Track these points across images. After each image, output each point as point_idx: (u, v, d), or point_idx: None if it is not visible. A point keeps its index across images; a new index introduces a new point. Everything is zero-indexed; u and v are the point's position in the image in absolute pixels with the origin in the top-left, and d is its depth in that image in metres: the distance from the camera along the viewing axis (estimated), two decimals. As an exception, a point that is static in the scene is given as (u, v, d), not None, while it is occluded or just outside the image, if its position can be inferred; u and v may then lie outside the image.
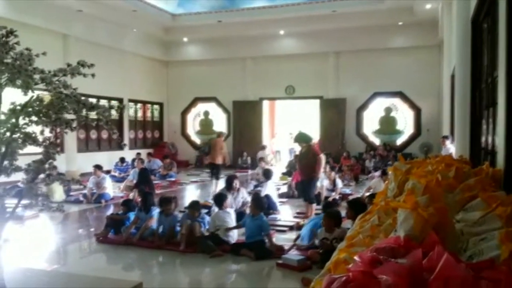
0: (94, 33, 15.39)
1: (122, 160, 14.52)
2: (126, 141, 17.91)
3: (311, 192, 8.02)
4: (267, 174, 9.41)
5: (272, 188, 9.15)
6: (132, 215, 6.63)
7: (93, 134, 16.63)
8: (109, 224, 6.59)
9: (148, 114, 19.82)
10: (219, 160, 11.07)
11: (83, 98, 2.27)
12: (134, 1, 15.22)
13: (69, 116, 2.21)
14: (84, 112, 2.18)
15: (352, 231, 2.61)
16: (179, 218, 6.50)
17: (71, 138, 15.14)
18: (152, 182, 9.56)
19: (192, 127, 20.53)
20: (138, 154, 15.15)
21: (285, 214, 8.69)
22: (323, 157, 8.02)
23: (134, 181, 10.40)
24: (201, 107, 20.34)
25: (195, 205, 6.30)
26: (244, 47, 18.34)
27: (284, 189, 11.20)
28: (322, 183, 9.87)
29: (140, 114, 19.26)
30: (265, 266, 5.39)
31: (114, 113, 17.43)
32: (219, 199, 6.69)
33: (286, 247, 5.93)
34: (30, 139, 2.19)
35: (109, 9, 14.95)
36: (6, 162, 2.23)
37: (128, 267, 5.74)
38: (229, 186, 8.10)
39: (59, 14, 13.86)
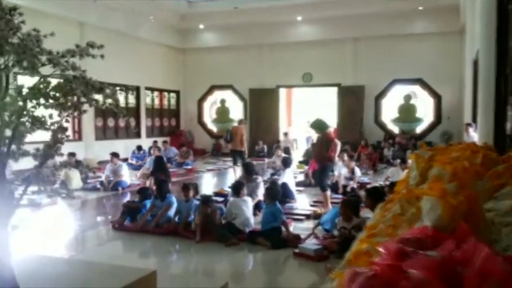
0: (110, 21, 15.35)
1: (139, 148, 14.54)
2: (143, 129, 17.95)
3: (323, 180, 7.85)
4: (286, 162, 9.28)
5: (290, 177, 9.02)
6: (148, 203, 6.60)
7: (111, 122, 16.68)
8: (125, 212, 6.57)
9: (165, 102, 19.80)
10: (241, 147, 11.14)
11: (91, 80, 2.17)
12: (150, -12, 15.14)
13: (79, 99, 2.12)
14: (93, 94, 2.08)
15: (373, 221, 2.49)
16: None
17: (88, 126, 15.25)
18: (168, 170, 9.51)
19: (209, 115, 20.47)
20: (155, 142, 15.18)
21: (302, 202, 8.57)
22: (338, 142, 7.83)
23: (151, 169, 10.37)
24: (217, 95, 20.25)
25: (206, 201, 6.20)
26: (260, 34, 18.12)
27: (301, 177, 11.09)
28: (340, 171, 9.73)
29: (157, 102, 19.26)
30: (281, 255, 5.31)
31: (131, 101, 17.64)
32: (237, 187, 6.60)
33: (303, 236, 5.83)
34: (38, 122, 2.10)
35: (125, -4, 14.89)
36: (13, 147, 2.14)
37: (143, 255, 5.71)
38: (247, 173, 8.00)
39: (75, 1, 13.84)
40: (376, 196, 5.12)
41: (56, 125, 2.18)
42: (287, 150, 16.83)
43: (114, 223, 6.51)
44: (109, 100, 2.12)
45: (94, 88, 2.15)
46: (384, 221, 2.22)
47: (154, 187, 7.47)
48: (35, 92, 2.03)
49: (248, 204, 6.33)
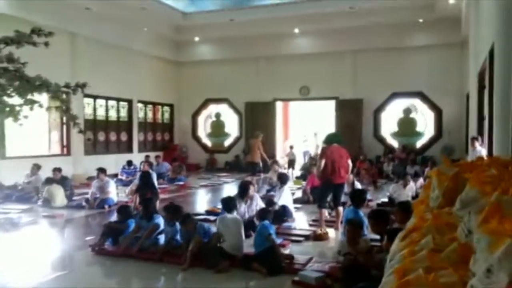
0: (102, 32, 14.88)
1: (129, 163, 13.95)
2: (135, 144, 17.38)
3: (324, 196, 7.35)
4: (283, 179, 8.63)
5: (287, 194, 8.43)
6: (131, 223, 6.00)
7: (101, 136, 16.11)
8: (106, 233, 5.95)
9: (158, 116, 19.28)
10: (257, 159, 11.92)
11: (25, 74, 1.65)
12: (143, -1, 14.71)
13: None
14: (31, 94, 1.58)
15: (398, 259, 1.94)
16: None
17: (78, 140, 14.66)
18: (155, 187, 8.87)
19: (203, 129, 19.95)
20: (147, 156, 14.60)
21: (301, 221, 8.00)
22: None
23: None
24: (212, 109, 19.76)
25: (186, 219, 5.59)
26: (257, 47, 17.71)
27: (298, 194, 10.53)
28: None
29: (150, 115, 18.74)
30: (279, 283, 4.73)
31: (123, 114, 17.10)
32: (228, 203, 5.98)
33: (300, 260, 5.27)
34: None
35: (118, 7, 14.43)
36: None
37: (124, 282, 5.12)
38: (242, 192, 7.33)
39: (66, 12, 13.38)
40: (382, 219, 4.58)
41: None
42: (292, 163, 16.36)
43: (94, 246, 5.89)
44: (57, 103, 1.64)
45: (30, 84, 1.62)
46: (416, 261, 1.68)
47: (140, 206, 6.89)
48: None
49: (239, 223, 5.69)
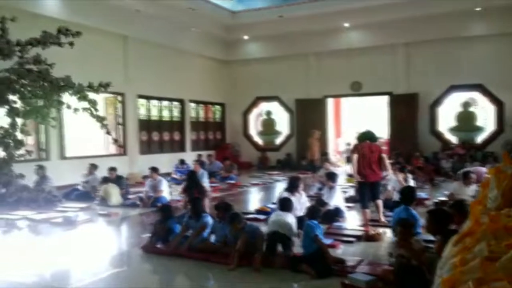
0: (153, 33, 15.22)
1: (182, 162, 14.20)
2: (188, 143, 17.68)
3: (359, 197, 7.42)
4: (332, 177, 8.41)
5: (338, 193, 8.22)
6: (171, 223, 6.06)
7: (155, 136, 16.50)
8: (156, 232, 6.06)
9: (210, 115, 19.51)
10: (315, 156, 12.57)
11: (57, 77, 1.64)
12: (192, 0, 14.91)
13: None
14: (58, 96, 1.57)
15: (448, 266, 1.78)
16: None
17: (133, 140, 15.10)
18: (202, 186, 8.91)
19: (254, 128, 19.99)
20: (199, 155, 14.82)
21: (352, 221, 7.78)
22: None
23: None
24: (263, 107, 19.75)
25: (235, 218, 5.57)
26: (306, 43, 17.51)
27: (351, 192, 10.28)
28: (393, 185, 8.88)
29: (201, 115, 19.00)
30: (328, 286, 4.60)
31: (176, 114, 17.44)
32: (285, 204, 5.96)
33: (350, 262, 5.12)
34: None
35: (167, 8, 14.74)
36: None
37: (174, 281, 5.17)
38: (292, 187, 7.39)
39: (118, 15, 13.78)
40: (442, 219, 4.33)
41: (7, 134, 1.66)
42: (349, 160, 16.07)
43: (144, 245, 6.00)
44: (85, 104, 1.63)
45: (54, 85, 1.61)
46: (467, 272, 1.53)
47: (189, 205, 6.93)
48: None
49: (290, 223, 5.62)
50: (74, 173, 11.74)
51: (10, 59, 1.48)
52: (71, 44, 1.56)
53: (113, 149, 14.75)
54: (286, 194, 7.05)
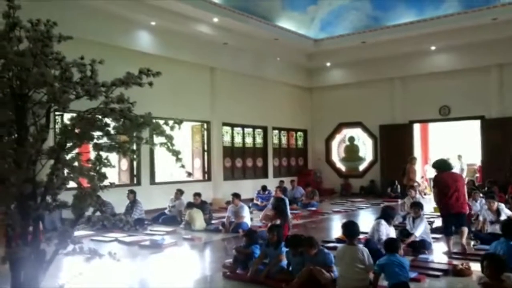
0: (238, 64, 15.79)
1: (264, 188, 14.35)
2: (270, 169, 17.88)
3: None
4: (417, 207, 7.98)
5: (424, 223, 7.81)
6: (255, 248, 6.12)
7: (239, 163, 16.89)
8: (237, 258, 6.17)
9: (292, 141, 19.62)
10: (407, 183, 12.30)
11: (136, 114, 1.79)
12: (276, 30, 15.31)
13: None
14: (137, 132, 1.73)
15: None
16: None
17: (217, 167, 15.57)
18: (287, 214, 8.91)
19: (337, 154, 19.75)
20: (281, 182, 14.89)
21: (439, 254, 7.35)
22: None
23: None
24: (346, 133, 19.52)
25: (295, 243, 5.46)
26: (391, 67, 17.15)
27: (438, 222, 9.74)
28: (484, 215, 8.31)
29: (284, 141, 19.17)
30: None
31: (259, 140, 17.77)
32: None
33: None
34: (73, 168, 1.76)
35: (252, 40, 15.24)
36: (48, 197, 1.82)
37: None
38: (387, 218, 7.06)
39: (206, 48, 14.48)
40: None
41: (94, 169, 1.83)
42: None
43: (226, 270, 6.13)
44: (162, 139, 1.77)
45: (133, 123, 1.76)
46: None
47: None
48: (64, 131, 1.71)
49: (356, 256, 5.09)
50: (162, 198, 12.34)
51: (96, 99, 1.66)
52: (150, 84, 1.71)
53: (198, 175, 15.30)
54: (385, 227, 6.81)
